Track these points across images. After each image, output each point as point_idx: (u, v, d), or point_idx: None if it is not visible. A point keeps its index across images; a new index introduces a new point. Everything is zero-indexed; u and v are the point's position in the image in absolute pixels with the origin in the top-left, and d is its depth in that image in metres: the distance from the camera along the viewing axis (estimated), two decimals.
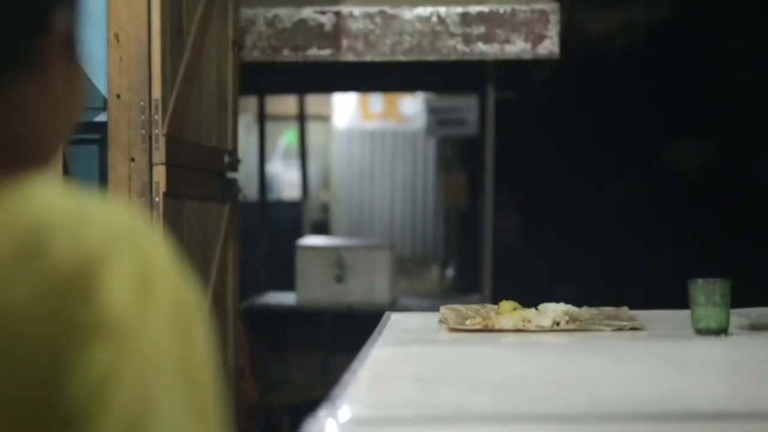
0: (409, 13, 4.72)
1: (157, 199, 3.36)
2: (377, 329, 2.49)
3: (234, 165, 4.15)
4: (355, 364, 1.98)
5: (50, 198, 0.86)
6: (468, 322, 2.51)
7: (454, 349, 2.27)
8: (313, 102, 9.53)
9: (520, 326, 2.44)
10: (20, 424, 0.80)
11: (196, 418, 0.83)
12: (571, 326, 2.45)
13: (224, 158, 4.04)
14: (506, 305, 2.57)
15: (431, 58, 4.74)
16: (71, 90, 0.93)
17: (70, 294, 0.81)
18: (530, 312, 2.50)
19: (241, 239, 4.38)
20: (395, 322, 2.61)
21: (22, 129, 0.89)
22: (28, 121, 0.89)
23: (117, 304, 0.81)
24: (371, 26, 4.69)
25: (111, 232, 0.85)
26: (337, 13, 4.70)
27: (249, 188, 7.19)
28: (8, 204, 0.84)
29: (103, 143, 3.45)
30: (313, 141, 9.79)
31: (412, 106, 10.50)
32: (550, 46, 4.70)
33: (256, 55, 4.71)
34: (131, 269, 0.83)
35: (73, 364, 0.80)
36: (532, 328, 2.43)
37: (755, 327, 2.39)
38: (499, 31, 4.70)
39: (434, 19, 4.71)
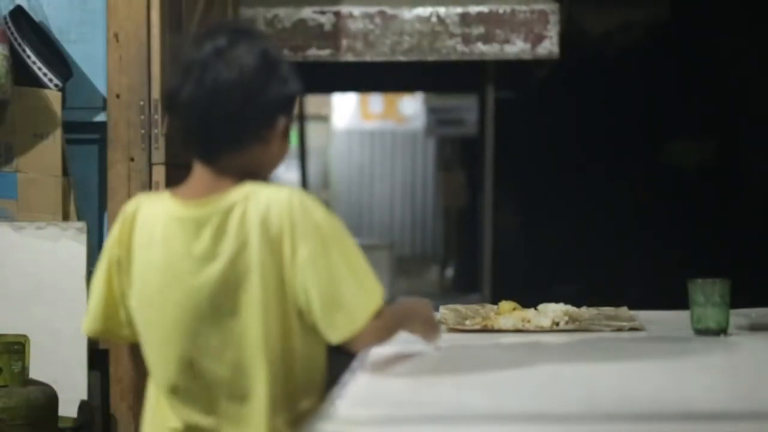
0: (408, 14, 4.72)
1: None
2: None
3: None
4: (354, 364, 1.98)
5: (256, 187, 1.84)
6: (467, 322, 2.51)
7: (453, 349, 2.27)
8: (313, 102, 9.52)
9: (520, 326, 2.44)
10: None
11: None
12: (570, 326, 2.45)
13: None
14: (506, 305, 2.57)
15: (431, 58, 4.74)
16: (281, 151, 1.91)
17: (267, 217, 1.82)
18: (530, 312, 2.50)
19: None
20: None
21: (252, 166, 1.88)
22: (256, 163, 1.88)
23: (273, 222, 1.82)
24: (371, 26, 4.69)
25: (276, 197, 1.83)
26: (337, 14, 4.70)
27: None
28: (249, 189, 1.84)
29: (102, 143, 3.45)
30: (312, 141, 9.78)
31: (412, 106, 10.51)
32: (549, 46, 4.70)
33: None
34: (284, 208, 1.81)
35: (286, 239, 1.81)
36: (532, 328, 2.43)
37: (755, 327, 2.39)
38: (498, 32, 4.71)
39: (434, 19, 4.72)
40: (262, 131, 1.86)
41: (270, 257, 1.80)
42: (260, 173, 1.89)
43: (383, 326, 1.85)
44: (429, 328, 2.09)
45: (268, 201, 1.81)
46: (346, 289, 1.80)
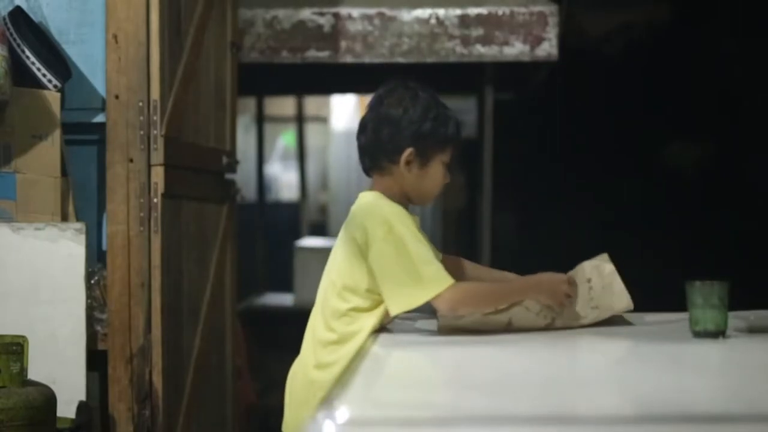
0: (407, 15, 4.72)
1: (155, 200, 3.36)
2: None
3: (232, 166, 4.15)
4: (352, 365, 1.98)
5: (373, 198, 2.64)
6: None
7: (451, 349, 2.27)
8: (312, 103, 9.53)
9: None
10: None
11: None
12: (560, 322, 2.46)
13: (222, 159, 4.04)
14: None
15: (430, 59, 4.74)
16: (421, 178, 2.58)
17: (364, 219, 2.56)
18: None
19: (239, 240, 4.38)
20: (392, 322, 2.61)
21: (390, 184, 2.62)
22: (392, 182, 2.61)
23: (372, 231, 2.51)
24: (370, 28, 4.70)
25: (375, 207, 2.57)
26: (336, 15, 4.71)
27: (247, 189, 7.19)
28: (365, 200, 2.67)
29: (101, 144, 3.44)
30: (311, 142, 9.79)
31: None
32: (548, 48, 4.70)
33: (254, 56, 4.71)
34: (377, 220, 2.50)
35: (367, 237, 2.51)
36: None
37: (753, 330, 2.39)
38: (497, 33, 4.71)
39: (433, 20, 4.72)
40: (392, 156, 2.56)
41: (354, 250, 2.52)
42: (402, 192, 2.58)
43: (455, 299, 2.39)
44: (553, 299, 2.49)
45: (362, 218, 2.54)
46: (400, 282, 2.40)
